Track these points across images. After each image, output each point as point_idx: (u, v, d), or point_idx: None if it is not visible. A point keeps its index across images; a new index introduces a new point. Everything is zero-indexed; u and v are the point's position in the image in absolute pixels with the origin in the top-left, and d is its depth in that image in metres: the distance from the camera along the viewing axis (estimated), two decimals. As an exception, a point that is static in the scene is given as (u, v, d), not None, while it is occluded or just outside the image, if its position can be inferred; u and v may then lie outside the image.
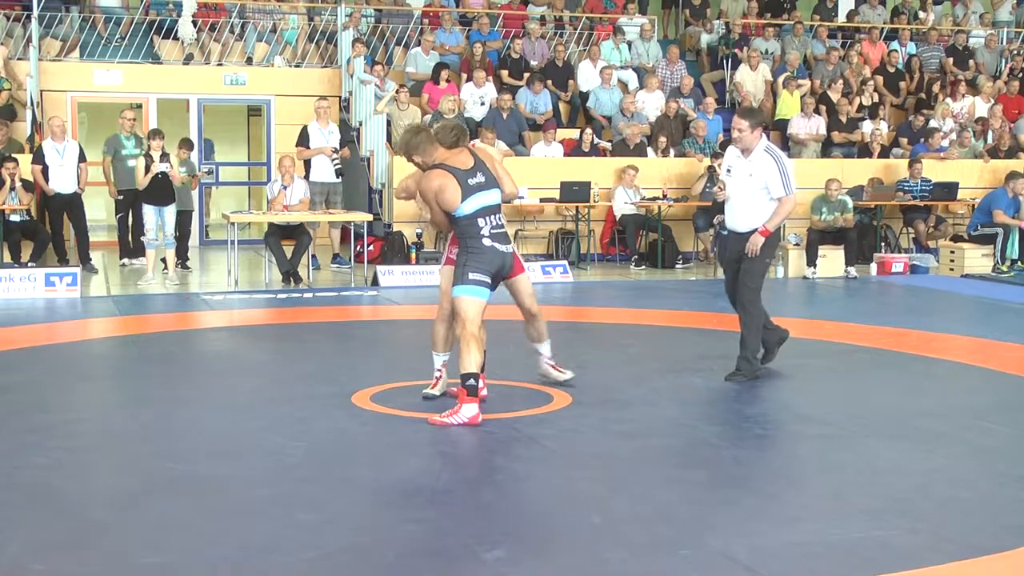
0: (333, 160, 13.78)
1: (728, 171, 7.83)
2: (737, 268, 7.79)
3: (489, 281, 6.58)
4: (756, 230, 7.61)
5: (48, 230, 13.72)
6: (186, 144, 13.36)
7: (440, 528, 4.69)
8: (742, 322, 7.80)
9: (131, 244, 14.11)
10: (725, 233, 8.02)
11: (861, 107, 17.61)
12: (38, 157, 13.50)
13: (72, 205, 13.69)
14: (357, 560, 4.33)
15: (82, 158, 13.70)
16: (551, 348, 7.33)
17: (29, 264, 12.73)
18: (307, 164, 13.96)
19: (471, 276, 6.53)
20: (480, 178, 6.57)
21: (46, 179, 13.43)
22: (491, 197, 6.59)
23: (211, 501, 5.03)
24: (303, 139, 13.93)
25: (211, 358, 8.98)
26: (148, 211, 12.54)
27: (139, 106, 16.25)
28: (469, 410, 6.34)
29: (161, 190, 12.49)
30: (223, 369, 8.41)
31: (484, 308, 6.57)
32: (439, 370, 7.05)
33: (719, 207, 13.92)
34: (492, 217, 6.59)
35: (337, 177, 13.89)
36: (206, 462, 5.66)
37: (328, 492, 5.14)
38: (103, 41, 16.94)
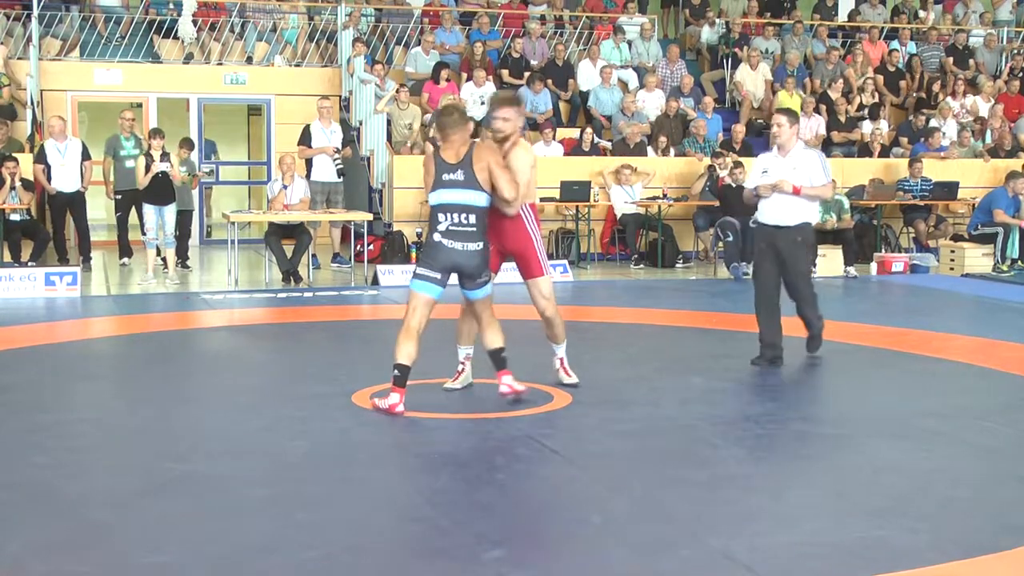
0: (335, 160, 13.77)
1: (764, 172, 8.14)
2: (775, 260, 8.13)
3: (436, 276, 6.63)
4: (804, 223, 8.10)
5: (49, 229, 13.73)
6: (186, 144, 13.36)
7: (440, 528, 4.69)
8: (806, 316, 8.34)
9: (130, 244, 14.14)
10: (755, 226, 8.38)
11: (861, 106, 17.61)
12: (40, 157, 13.53)
13: (75, 204, 13.71)
14: (357, 560, 4.33)
15: (86, 156, 13.71)
16: (566, 350, 7.32)
17: (29, 263, 12.73)
18: (308, 163, 13.96)
19: (416, 270, 6.77)
20: (458, 175, 6.60)
21: (48, 178, 13.44)
22: (459, 196, 6.60)
23: (211, 500, 5.03)
24: (305, 138, 13.92)
25: (211, 357, 8.98)
26: (148, 210, 12.55)
27: (139, 105, 16.26)
28: (392, 398, 6.51)
29: (161, 189, 12.50)
30: (223, 368, 8.41)
31: (429, 303, 6.65)
32: (462, 363, 7.14)
33: (721, 208, 14.05)
34: (455, 215, 6.59)
35: (339, 177, 13.88)
36: (206, 461, 5.66)
37: (328, 492, 5.14)
38: (103, 40, 16.94)
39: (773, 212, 8.11)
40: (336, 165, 13.80)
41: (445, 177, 6.63)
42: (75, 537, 4.53)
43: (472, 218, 6.60)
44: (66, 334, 9.64)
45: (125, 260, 14.13)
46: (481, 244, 6.64)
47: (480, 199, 6.62)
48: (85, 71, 16.45)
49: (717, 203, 14.42)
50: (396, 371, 6.55)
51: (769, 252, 8.18)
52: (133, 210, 13.45)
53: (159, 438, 6.17)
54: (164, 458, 5.68)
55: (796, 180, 8.01)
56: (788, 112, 8.37)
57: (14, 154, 13.40)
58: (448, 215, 6.61)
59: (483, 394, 7.11)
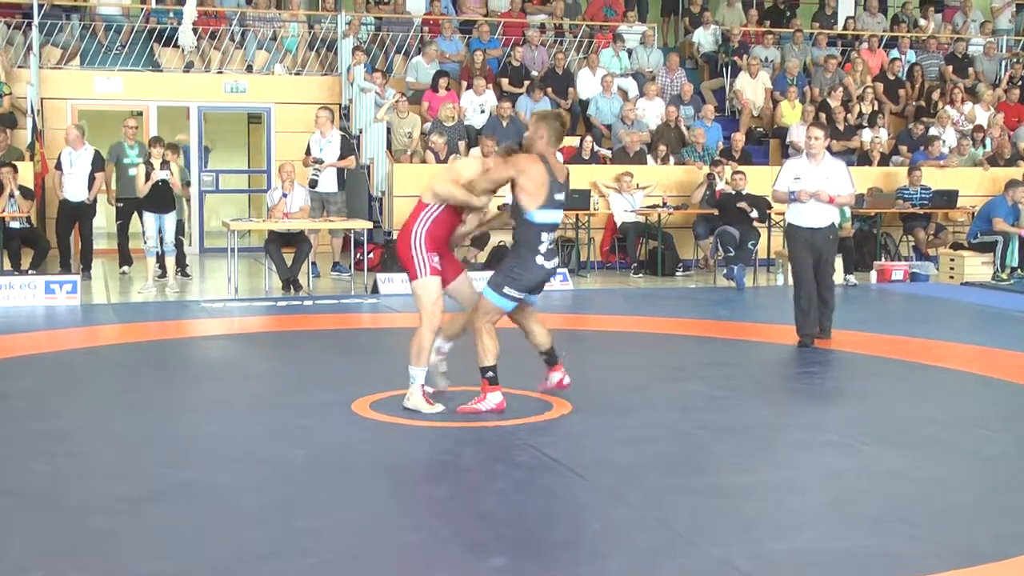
0: (313, 171, 13.72)
1: (797, 178, 9.27)
2: (815, 258, 9.30)
3: (521, 297, 6.75)
4: (832, 224, 9.36)
5: (52, 238, 13.72)
6: (172, 148, 13.00)
7: (440, 536, 4.69)
8: (827, 299, 9.42)
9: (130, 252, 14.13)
10: (801, 227, 9.33)
11: (860, 115, 17.62)
12: (57, 164, 13.59)
13: (80, 213, 13.68)
14: (357, 567, 4.33)
15: (98, 167, 13.66)
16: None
17: (29, 272, 12.73)
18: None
19: (504, 288, 6.69)
20: (562, 196, 6.67)
21: (62, 185, 13.50)
22: (560, 216, 6.79)
23: (211, 508, 5.03)
24: (308, 151, 13.95)
25: (211, 366, 8.99)
26: (148, 219, 12.55)
27: (139, 114, 16.27)
28: (495, 396, 6.70)
29: (161, 198, 12.50)
30: (223, 376, 8.42)
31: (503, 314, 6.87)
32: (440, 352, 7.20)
33: (719, 216, 14.06)
34: (553, 234, 6.75)
35: (311, 187, 13.77)
36: (206, 469, 5.66)
37: (328, 499, 5.14)
38: (103, 49, 16.96)
39: (811, 216, 9.25)
40: (312, 175, 13.74)
41: (557, 196, 6.63)
42: (76, 544, 4.53)
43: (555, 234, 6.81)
44: (66, 342, 9.64)
45: (125, 268, 14.12)
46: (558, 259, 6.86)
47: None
48: (85, 79, 16.47)
49: (716, 212, 14.43)
50: (491, 372, 6.68)
51: (807, 249, 9.30)
52: (135, 218, 13.43)
53: (159, 445, 6.17)
54: (164, 465, 5.68)
55: (830, 189, 9.16)
56: (822, 125, 9.80)
57: (14, 162, 13.41)
58: (550, 234, 6.68)
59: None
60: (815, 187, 9.15)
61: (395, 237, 14.22)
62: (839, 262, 13.84)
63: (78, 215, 13.71)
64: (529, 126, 6.91)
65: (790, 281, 13.82)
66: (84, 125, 14.58)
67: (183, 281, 13.43)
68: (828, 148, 9.82)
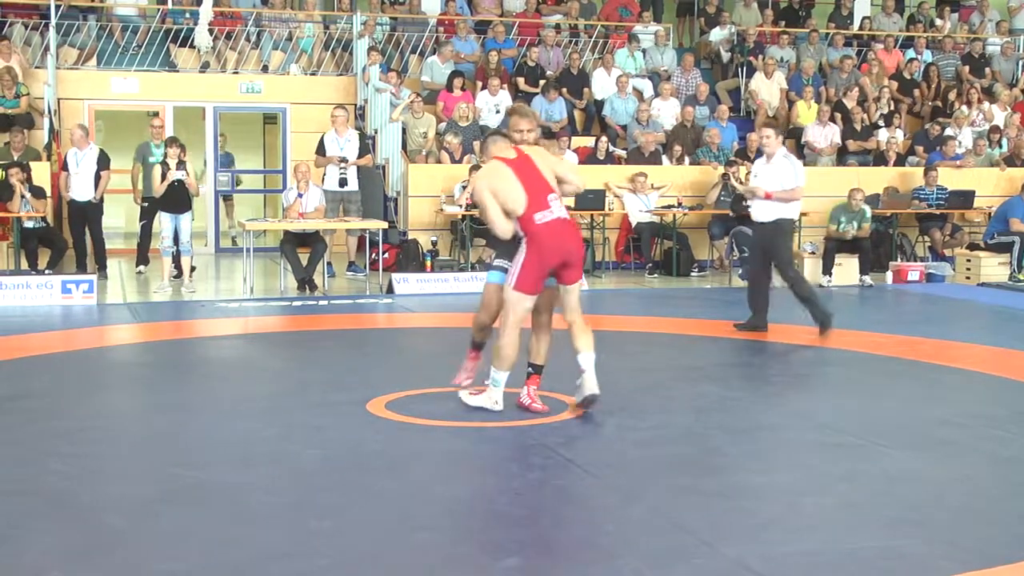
0: (340, 169, 13.75)
1: (754, 176, 10.01)
2: (763, 252, 9.96)
3: None
4: (780, 219, 9.86)
5: (68, 238, 13.77)
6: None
7: (454, 536, 4.70)
8: (794, 290, 9.87)
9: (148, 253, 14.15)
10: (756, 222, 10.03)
11: (877, 115, 17.57)
12: (64, 164, 13.62)
13: (88, 213, 13.72)
14: (371, 568, 4.34)
15: (104, 166, 13.70)
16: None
17: (46, 271, 12.77)
18: (324, 172, 13.97)
19: None
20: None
21: (69, 186, 13.53)
22: None
23: (226, 508, 5.04)
24: (320, 148, 13.96)
25: (226, 365, 9.01)
26: (164, 219, 12.59)
27: (156, 114, 16.32)
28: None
29: (178, 198, 12.54)
30: (238, 376, 8.44)
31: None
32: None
33: (734, 217, 14.04)
34: None
35: (341, 186, 13.84)
36: (222, 469, 5.68)
37: (343, 500, 5.15)
38: (120, 49, 17.01)
39: (761, 211, 9.89)
40: (340, 174, 13.77)
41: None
42: (92, 544, 4.55)
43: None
44: (82, 342, 9.68)
45: (141, 268, 14.17)
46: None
47: None
48: (102, 80, 16.53)
49: (731, 212, 14.41)
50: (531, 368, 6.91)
51: (756, 243, 10.14)
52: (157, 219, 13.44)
53: (175, 445, 6.19)
54: (179, 465, 5.70)
55: (775, 185, 9.73)
56: (774, 125, 10.29)
57: (30, 162, 13.46)
58: None
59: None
60: (758, 184, 9.88)
61: (409, 237, 14.36)
62: (855, 263, 13.86)
63: (85, 215, 13.74)
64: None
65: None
66: (87, 125, 14.62)
67: (177, 282, 13.18)
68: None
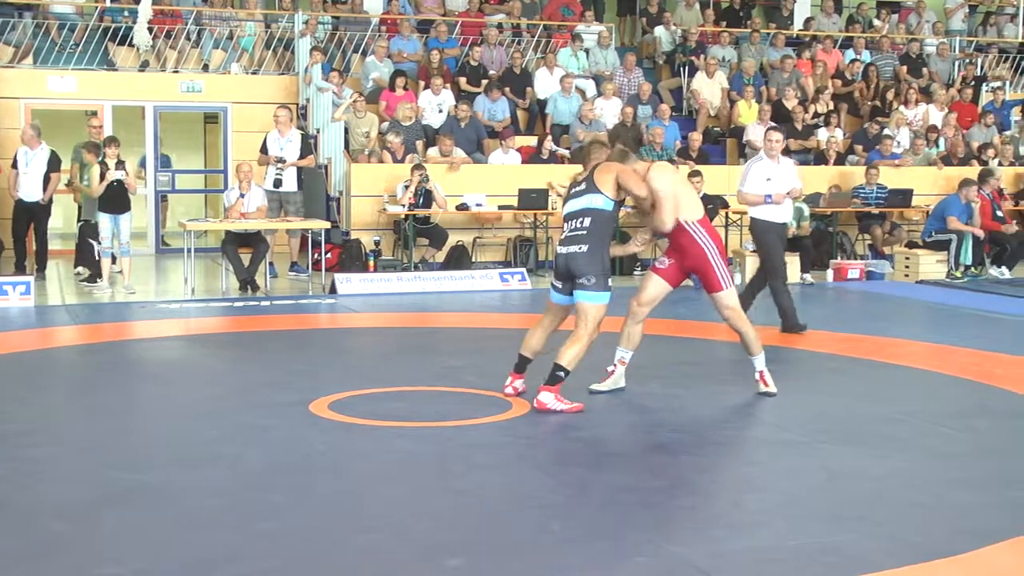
0: (277, 170, 13.65)
1: (768, 180, 9.97)
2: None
3: (558, 285, 7.18)
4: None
5: (8, 237, 13.55)
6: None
7: (399, 536, 4.68)
8: (775, 297, 10.12)
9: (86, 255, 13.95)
10: (775, 223, 10.12)
11: (817, 114, 17.74)
12: (13, 163, 13.41)
13: (35, 214, 13.52)
14: (316, 569, 4.31)
15: (54, 167, 13.49)
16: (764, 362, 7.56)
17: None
18: (266, 172, 13.87)
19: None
20: (580, 186, 7.06)
21: (17, 185, 13.32)
22: (573, 204, 7.05)
23: (169, 511, 4.99)
24: (264, 147, 13.86)
25: (168, 367, 8.91)
26: (103, 219, 12.44)
27: (94, 113, 16.12)
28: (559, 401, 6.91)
29: (117, 198, 12.39)
30: (180, 378, 8.35)
31: (552, 307, 7.34)
32: (613, 365, 7.52)
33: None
34: (572, 221, 7.00)
35: (276, 187, 13.72)
36: (163, 471, 5.62)
37: (287, 501, 5.11)
38: (57, 47, 16.78)
39: (783, 212, 10.11)
40: (276, 174, 13.66)
41: (572, 190, 7.13)
42: (30, 548, 4.48)
43: (585, 222, 6.94)
44: (19, 344, 9.53)
45: (80, 269, 13.99)
46: (587, 247, 6.90)
47: (589, 201, 6.94)
48: (39, 78, 16.30)
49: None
50: (561, 372, 6.98)
51: (781, 242, 10.17)
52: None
53: (116, 448, 6.12)
54: (121, 468, 5.64)
55: (790, 185, 10.09)
56: (780, 128, 10.79)
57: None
58: (568, 223, 7.03)
59: (443, 401, 7.11)
60: (786, 187, 10.04)
61: (351, 237, 14.30)
62: (796, 261, 13.97)
63: (33, 215, 13.54)
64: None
65: (747, 280, 13.99)
66: (39, 124, 14.40)
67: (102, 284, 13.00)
68: (786, 147, 10.31)
